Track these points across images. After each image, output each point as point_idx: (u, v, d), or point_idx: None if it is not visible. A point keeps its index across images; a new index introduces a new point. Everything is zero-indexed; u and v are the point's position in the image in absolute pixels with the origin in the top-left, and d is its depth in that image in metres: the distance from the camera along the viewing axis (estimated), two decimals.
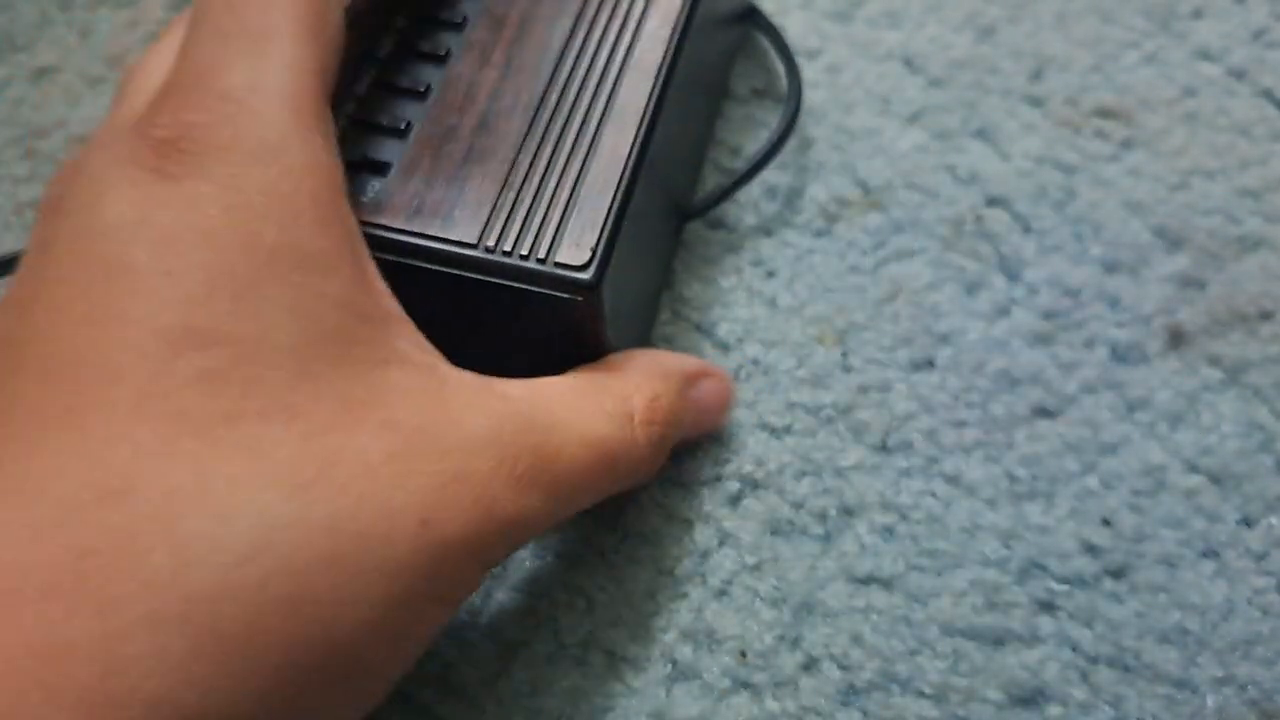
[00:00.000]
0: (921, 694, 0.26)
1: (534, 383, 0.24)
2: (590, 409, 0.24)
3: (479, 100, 0.27)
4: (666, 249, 0.32)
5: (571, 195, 0.25)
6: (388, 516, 0.19)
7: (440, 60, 0.28)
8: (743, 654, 0.27)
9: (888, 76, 0.37)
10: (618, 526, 0.29)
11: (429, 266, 0.24)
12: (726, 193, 0.33)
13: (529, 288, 0.24)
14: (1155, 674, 0.26)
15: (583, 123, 0.26)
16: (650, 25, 0.28)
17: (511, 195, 0.25)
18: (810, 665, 0.26)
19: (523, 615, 0.27)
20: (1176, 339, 0.32)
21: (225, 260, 0.20)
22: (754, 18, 0.37)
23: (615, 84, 0.27)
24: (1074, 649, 0.27)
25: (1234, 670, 0.26)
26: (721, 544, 0.28)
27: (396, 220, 0.25)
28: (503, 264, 0.24)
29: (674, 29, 0.28)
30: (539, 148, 0.26)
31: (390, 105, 0.27)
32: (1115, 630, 0.27)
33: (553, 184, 0.25)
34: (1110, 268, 0.33)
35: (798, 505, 0.29)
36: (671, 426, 0.26)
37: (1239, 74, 0.38)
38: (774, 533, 0.29)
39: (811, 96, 0.37)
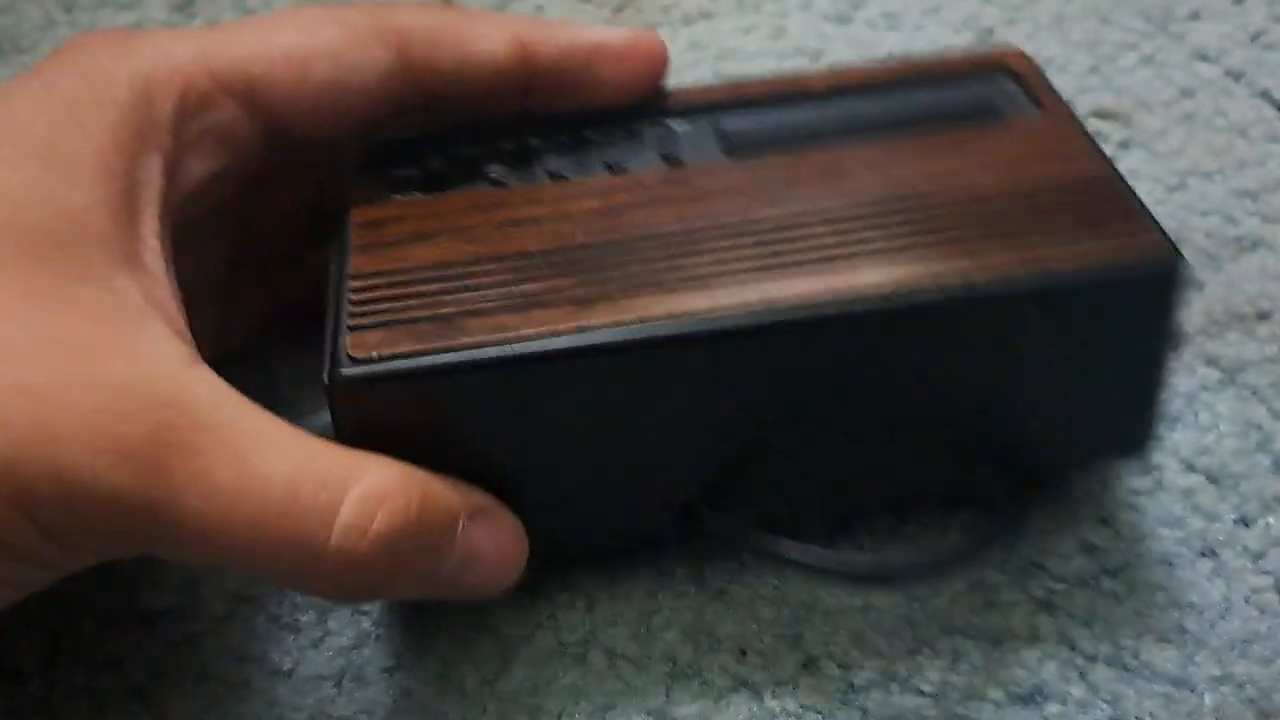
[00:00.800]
0: (921, 692, 0.26)
1: (227, 393, 0.22)
2: (284, 449, 0.21)
3: (550, 205, 0.26)
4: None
5: (458, 318, 0.23)
6: None
7: (606, 168, 0.27)
8: (742, 653, 0.27)
9: None
10: None
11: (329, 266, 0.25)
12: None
13: (328, 336, 0.24)
14: (1153, 672, 0.26)
15: (574, 284, 0.24)
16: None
17: (429, 274, 0.24)
18: (810, 664, 0.27)
19: (523, 614, 0.27)
20: (1174, 339, 0.32)
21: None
22: None
23: (684, 284, 0.24)
24: (1072, 648, 0.27)
25: (1232, 669, 0.26)
26: (721, 545, 0.28)
27: (359, 218, 0.26)
28: (340, 304, 0.24)
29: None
30: (511, 270, 0.24)
31: (516, 163, 0.27)
32: (1113, 629, 0.27)
33: (465, 298, 0.24)
34: None
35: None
36: (394, 552, 0.22)
37: (1237, 75, 0.38)
38: (773, 532, 0.29)
39: None
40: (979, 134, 0.27)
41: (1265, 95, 0.38)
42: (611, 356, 0.23)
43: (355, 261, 0.25)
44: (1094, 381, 0.25)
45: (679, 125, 0.28)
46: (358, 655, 0.27)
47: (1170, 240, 0.24)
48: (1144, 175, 0.36)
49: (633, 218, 0.26)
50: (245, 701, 0.26)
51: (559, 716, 0.26)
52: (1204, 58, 0.39)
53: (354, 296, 0.24)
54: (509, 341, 0.23)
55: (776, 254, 0.24)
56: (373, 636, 0.27)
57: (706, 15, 0.39)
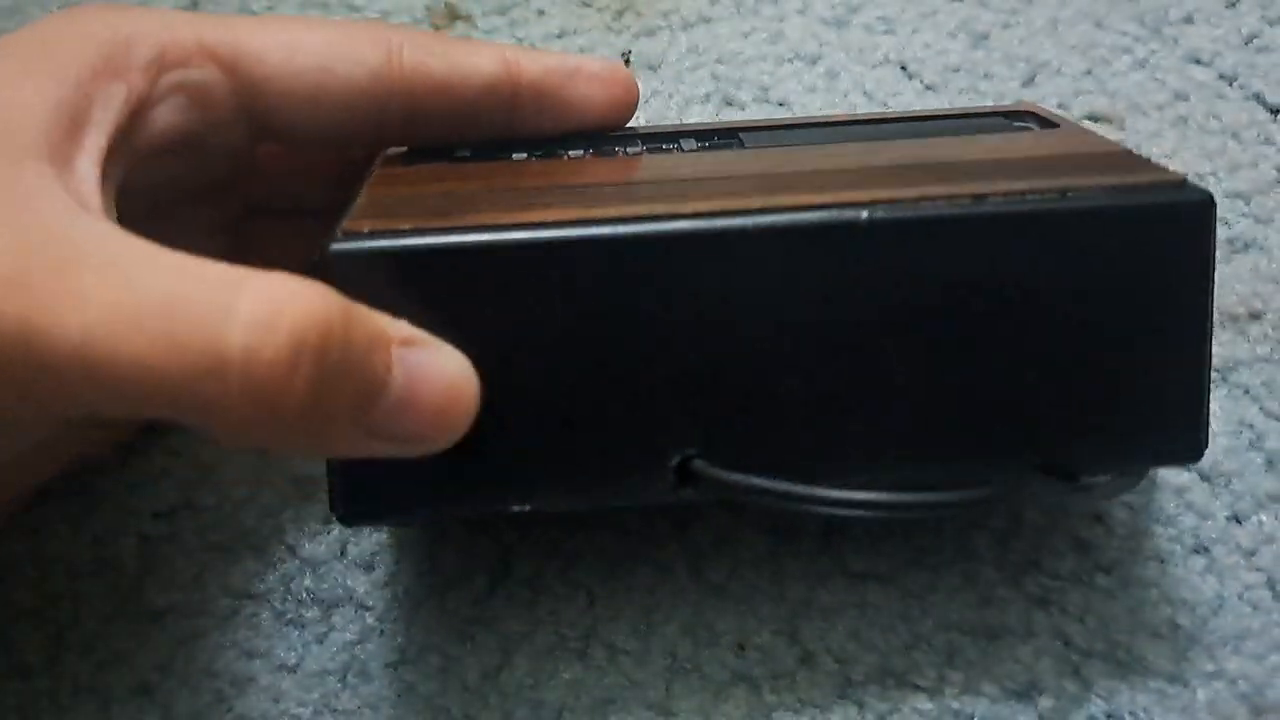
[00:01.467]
0: (917, 687, 0.26)
1: (117, 230, 0.21)
2: (175, 263, 0.20)
3: (562, 165, 0.26)
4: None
5: (452, 214, 0.23)
6: None
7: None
8: (741, 648, 0.27)
9: (884, 82, 0.38)
10: (616, 523, 0.29)
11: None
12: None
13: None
14: (1147, 668, 0.27)
15: (571, 194, 0.24)
16: None
17: (433, 197, 0.24)
18: (807, 659, 0.27)
19: (524, 609, 0.28)
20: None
21: None
22: None
23: (674, 197, 0.23)
24: (1067, 643, 0.27)
25: (1225, 665, 0.27)
26: (720, 539, 0.29)
27: (380, 168, 0.26)
28: (346, 213, 0.24)
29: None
30: (515, 192, 0.24)
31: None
32: (1107, 625, 0.27)
33: (465, 209, 0.23)
34: None
35: None
36: (317, 354, 0.19)
37: (1230, 78, 0.38)
38: (772, 530, 0.29)
39: (809, 102, 0.37)
40: (995, 136, 0.27)
41: (1258, 98, 0.38)
42: (612, 248, 0.22)
43: (368, 190, 0.25)
44: (1117, 339, 0.23)
45: (703, 139, 0.29)
46: (361, 650, 0.27)
47: (1195, 184, 0.23)
48: None
49: (639, 174, 0.26)
50: (250, 697, 0.27)
51: (560, 711, 0.26)
52: (1197, 61, 0.39)
53: (361, 201, 0.24)
54: (507, 227, 0.22)
55: (785, 185, 0.24)
56: (376, 632, 0.27)
57: (705, 20, 0.40)
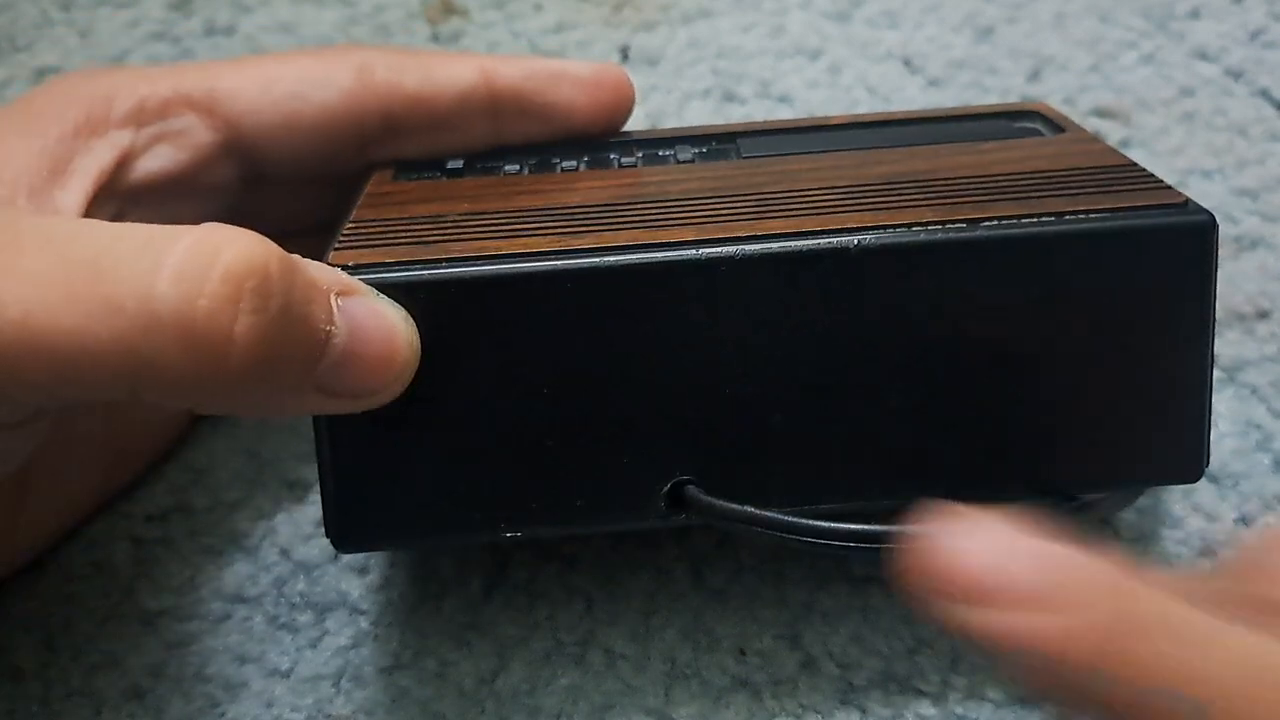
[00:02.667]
0: (920, 693, 0.26)
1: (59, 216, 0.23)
2: (110, 228, 0.20)
3: (557, 181, 0.26)
4: None
5: (437, 244, 0.23)
6: None
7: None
8: (741, 652, 0.27)
9: (888, 76, 0.37)
10: None
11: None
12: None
13: None
14: None
15: (561, 225, 0.23)
16: None
17: (422, 222, 0.24)
18: (809, 664, 0.27)
19: (521, 613, 0.27)
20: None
21: None
22: None
23: (663, 224, 0.23)
24: None
25: None
26: (720, 545, 0.28)
27: (372, 189, 0.26)
28: (333, 246, 0.24)
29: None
30: (501, 217, 0.24)
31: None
32: None
33: (449, 236, 0.23)
34: None
35: None
36: (256, 300, 0.18)
37: (1236, 74, 0.38)
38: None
39: (811, 97, 0.37)
40: (995, 144, 0.27)
41: (1265, 94, 0.38)
42: (595, 279, 0.22)
43: (357, 213, 0.25)
44: (1117, 363, 0.22)
45: (701, 146, 0.28)
46: (356, 655, 0.27)
47: (1197, 205, 0.22)
48: None
49: (630, 191, 0.25)
50: (243, 701, 0.26)
51: (557, 716, 0.26)
52: (1204, 56, 0.39)
53: (346, 231, 0.24)
54: (487, 260, 0.22)
55: (775, 206, 0.23)
56: (371, 636, 0.27)
57: (705, 14, 0.39)
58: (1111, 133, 0.36)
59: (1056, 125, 0.28)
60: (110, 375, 0.19)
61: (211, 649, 0.27)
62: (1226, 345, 0.32)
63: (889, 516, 0.21)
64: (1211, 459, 0.29)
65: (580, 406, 0.22)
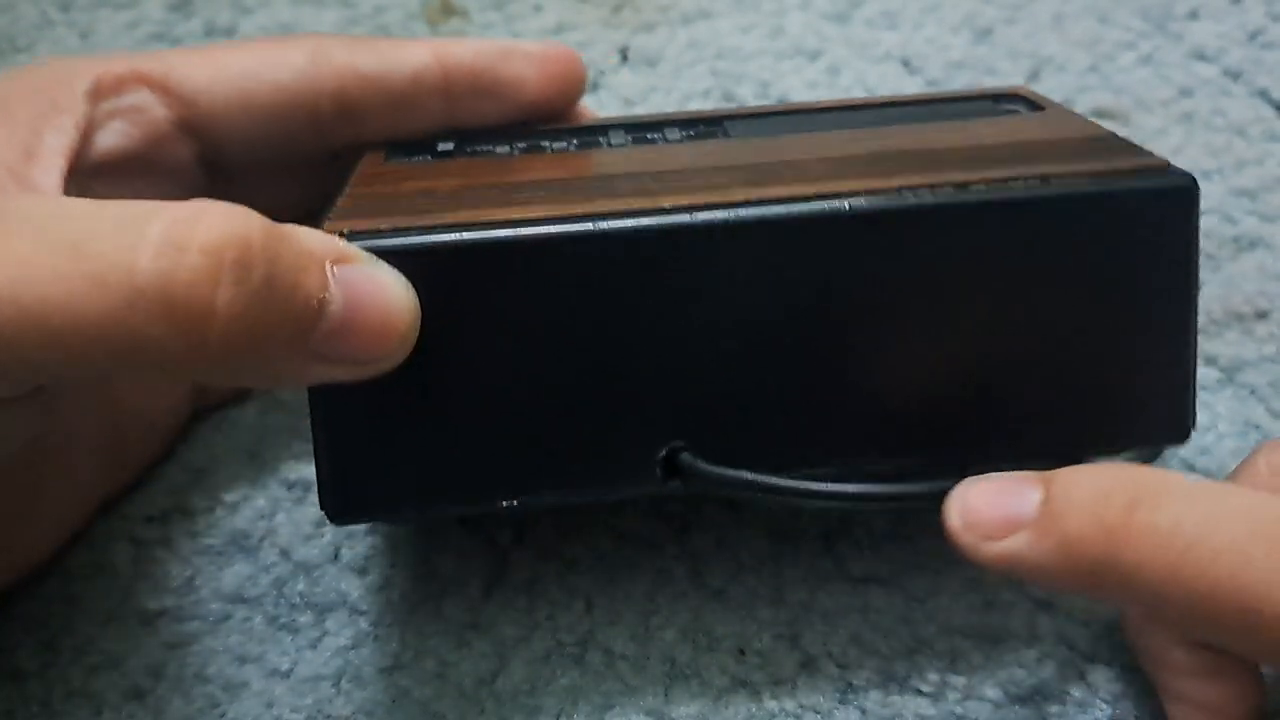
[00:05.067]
0: (920, 692, 0.26)
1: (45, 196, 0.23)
2: (92, 206, 0.20)
3: (550, 159, 0.26)
4: None
5: (433, 211, 0.23)
6: None
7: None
8: (741, 652, 0.27)
9: (887, 77, 0.37)
10: (615, 526, 0.29)
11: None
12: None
13: None
14: None
15: (553, 194, 0.23)
16: None
17: (415, 196, 0.24)
18: (808, 664, 0.27)
19: (521, 613, 0.27)
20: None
21: None
22: None
23: (659, 193, 0.23)
24: (1071, 648, 0.27)
25: None
26: (719, 544, 0.28)
27: (364, 169, 0.27)
28: (328, 216, 0.24)
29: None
30: (495, 191, 0.24)
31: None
32: (1113, 630, 0.27)
33: (444, 208, 0.23)
34: None
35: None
36: (238, 269, 0.19)
37: (1235, 74, 0.38)
38: (772, 533, 0.29)
39: (810, 97, 0.37)
40: (977, 121, 0.27)
41: (1263, 94, 0.38)
42: (590, 245, 0.22)
43: (351, 189, 0.25)
44: (1104, 324, 0.23)
45: (688, 128, 0.29)
46: (355, 655, 0.27)
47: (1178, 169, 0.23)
48: None
49: (622, 166, 0.26)
50: (243, 702, 0.26)
51: (557, 717, 0.26)
52: (1202, 57, 0.39)
53: (340, 204, 0.24)
54: (483, 226, 0.22)
55: (768, 176, 0.23)
56: (371, 637, 0.27)
57: (705, 14, 0.39)
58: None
59: (1038, 105, 0.29)
60: (99, 350, 0.19)
61: (211, 649, 0.27)
62: (1225, 345, 0.32)
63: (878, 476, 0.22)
64: (1211, 459, 0.30)
65: (576, 372, 0.22)
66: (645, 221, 0.22)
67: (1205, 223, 0.34)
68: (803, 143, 0.26)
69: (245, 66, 0.27)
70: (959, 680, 0.26)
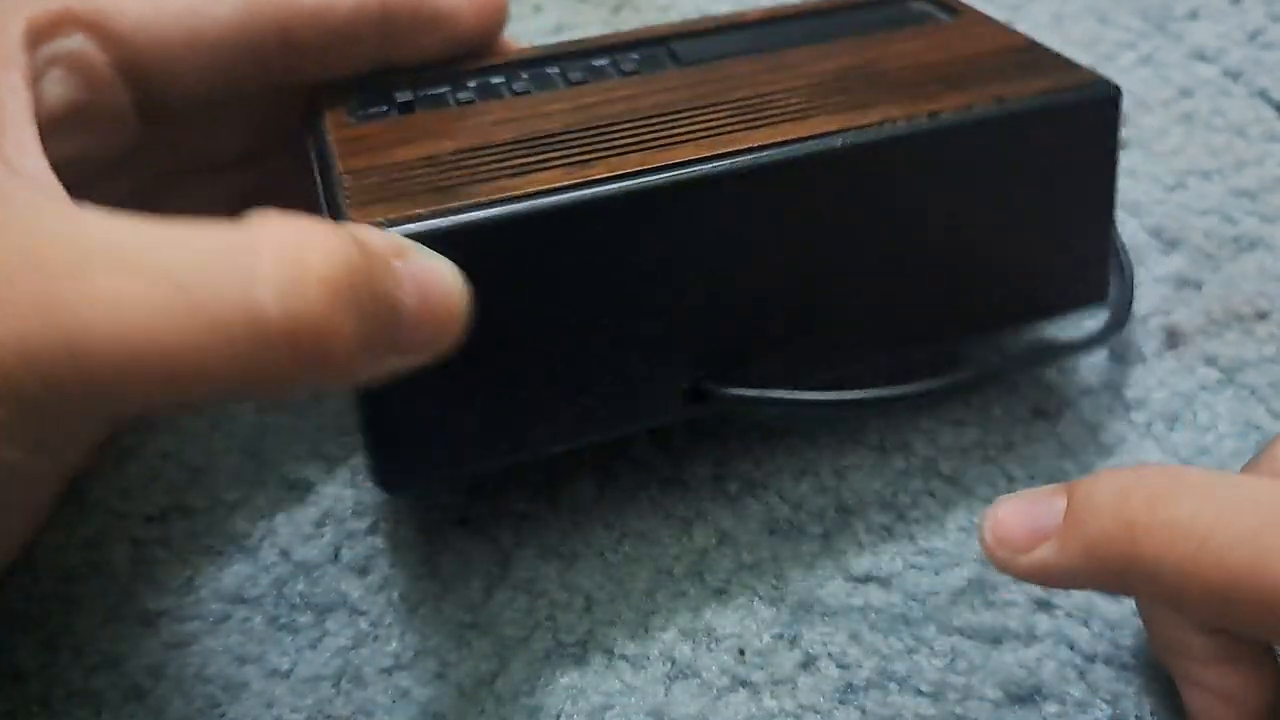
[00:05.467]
0: (919, 692, 0.26)
1: (99, 217, 0.20)
2: (169, 237, 0.19)
3: (524, 110, 0.27)
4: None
5: (446, 190, 0.23)
6: None
7: (566, 84, 0.28)
8: (741, 652, 0.27)
9: None
10: (616, 525, 0.29)
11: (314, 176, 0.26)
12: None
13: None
14: (1153, 672, 0.26)
15: (556, 156, 0.24)
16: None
17: (418, 166, 0.24)
18: (808, 663, 0.27)
19: (521, 613, 0.27)
20: (1173, 339, 0.32)
21: None
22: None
23: (657, 146, 0.24)
24: (1071, 647, 0.27)
25: None
26: (720, 543, 0.28)
27: (339, 134, 0.26)
28: (334, 196, 0.24)
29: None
30: (494, 153, 0.25)
31: (485, 89, 0.28)
32: (1112, 629, 0.27)
33: (451, 177, 0.24)
34: None
35: (796, 505, 0.29)
36: (354, 296, 0.19)
37: (1235, 75, 0.38)
38: (772, 532, 0.29)
39: None
40: (908, 32, 0.29)
41: (1263, 95, 0.38)
42: (612, 207, 0.23)
43: (342, 162, 0.25)
44: (1049, 214, 0.27)
45: (632, 53, 0.30)
46: (356, 655, 0.27)
47: (1103, 76, 0.27)
48: (1142, 175, 0.36)
49: (605, 109, 0.26)
50: (243, 702, 0.26)
51: (557, 716, 0.26)
52: (1202, 57, 0.39)
53: (348, 183, 0.24)
54: (515, 199, 0.23)
55: (753, 114, 0.25)
56: (371, 637, 0.27)
57: (704, 15, 0.40)
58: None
59: (944, 6, 0.31)
60: (218, 389, 0.19)
61: (211, 649, 0.27)
62: (1225, 346, 0.32)
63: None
64: (1211, 459, 0.30)
65: (603, 321, 0.24)
66: (663, 178, 0.23)
67: (1205, 222, 0.34)
68: (760, 69, 0.28)
69: (183, 2, 0.26)
70: (959, 680, 0.26)
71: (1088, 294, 0.28)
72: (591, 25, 0.41)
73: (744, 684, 0.26)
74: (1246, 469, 0.24)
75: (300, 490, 0.30)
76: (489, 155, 0.25)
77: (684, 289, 0.25)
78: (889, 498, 0.29)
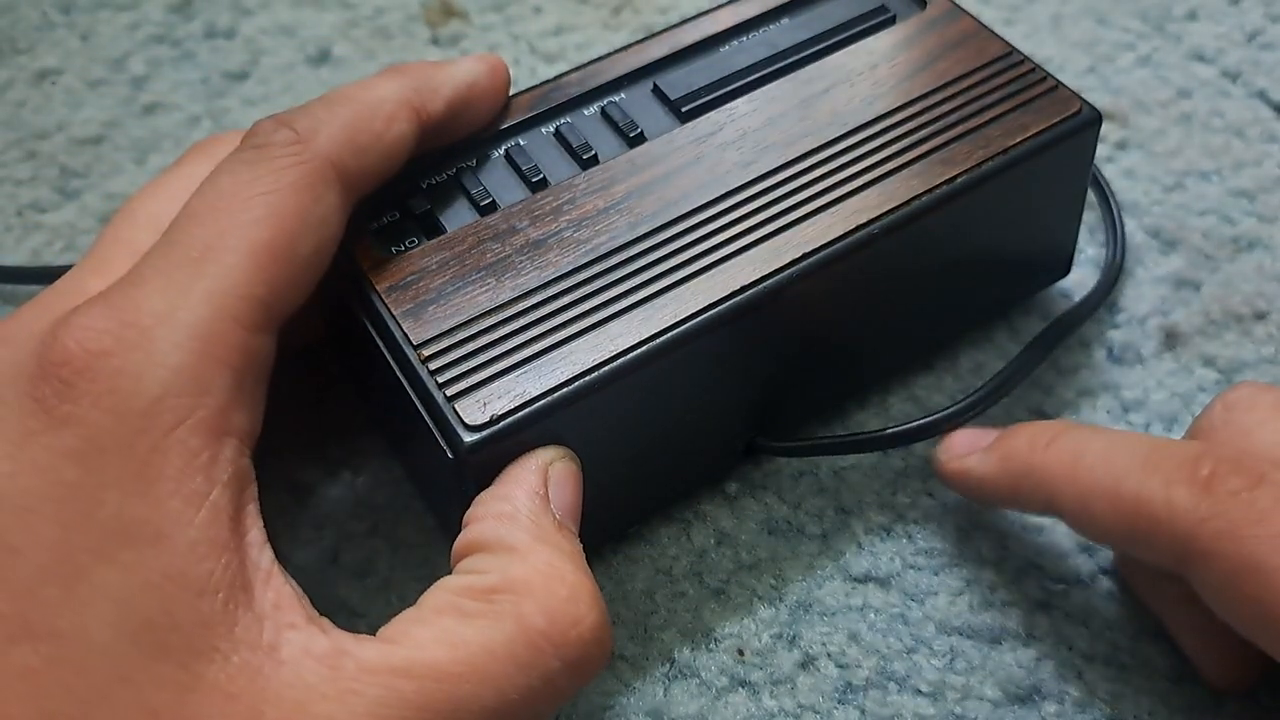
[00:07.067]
0: (918, 692, 0.26)
1: (421, 644, 0.22)
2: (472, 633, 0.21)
3: (560, 218, 0.26)
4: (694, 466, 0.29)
5: (536, 357, 0.24)
6: None
7: (578, 163, 0.28)
8: (740, 652, 0.27)
9: None
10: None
11: (375, 343, 0.25)
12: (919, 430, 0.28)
13: (420, 412, 0.24)
14: (1150, 671, 0.26)
15: (625, 291, 0.25)
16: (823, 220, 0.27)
17: (490, 321, 0.25)
18: (808, 663, 0.27)
19: None
20: (1172, 340, 0.32)
21: (67, 539, 0.19)
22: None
23: (715, 264, 0.26)
24: (1070, 647, 0.27)
25: None
26: (719, 543, 0.29)
27: (383, 284, 0.25)
28: (418, 378, 0.24)
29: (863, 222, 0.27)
30: (561, 293, 0.25)
31: (496, 179, 0.28)
32: (1111, 629, 0.27)
33: (533, 334, 0.25)
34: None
35: (795, 506, 0.29)
36: (576, 583, 0.22)
37: (1233, 75, 0.38)
38: (771, 532, 0.29)
39: None
40: (885, 40, 0.30)
41: (1262, 95, 0.38)
42: (687, 345, 0.25)
43: (408, 327, 0.25)
44: (1033, 221, 0.30)
45: (619, 95, 0.29)
46: None
47: (1079, 96, 0.29)
48: (1141, 175, 0.36)
49: (640, 205, 0.27)
50: None
51: (557, 717, 0.26)
52: (1201, 58, 0.39)
53: (431, 365, 0.24)
54: (597, 368, 0.24)
55: (789, 207, 0.27)
56: None
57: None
58: (1109, 133, 0.37)
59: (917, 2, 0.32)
60: None
61: None
62: (1224, 346, 0.32)
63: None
64: None
65: (687, 419, 0.27)
66: (726, 307, 0.25)
67: (1203, 223, 0.35)
68: (759, 125, 0.28)
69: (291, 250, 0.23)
70: (958, 680, 0.26)
71: (1057, 273, 0.33)
72: (591, 27, 0.41)
73: (743, 684, 0.26)
74: (1189, 432, 0.27)
75: (300, 492, 0.30)
76: (552, 298, 0.25)
77: (750, 377, 0.27)
78: (888, 498, 0.29)
